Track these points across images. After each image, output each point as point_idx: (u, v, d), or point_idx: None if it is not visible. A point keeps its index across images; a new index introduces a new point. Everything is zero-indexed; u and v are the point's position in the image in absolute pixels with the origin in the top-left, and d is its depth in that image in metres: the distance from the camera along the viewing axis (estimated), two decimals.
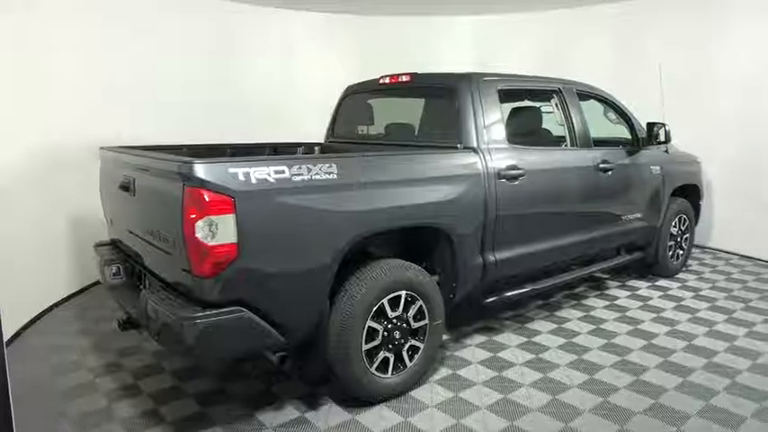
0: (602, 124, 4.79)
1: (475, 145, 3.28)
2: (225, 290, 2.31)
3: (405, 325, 2.92)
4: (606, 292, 4.73)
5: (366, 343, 2.75)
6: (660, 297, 4.59)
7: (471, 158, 3.21)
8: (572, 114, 3.99)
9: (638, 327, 3.92)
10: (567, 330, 3.86)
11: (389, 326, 2.85)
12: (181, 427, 2.70)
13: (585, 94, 4.31)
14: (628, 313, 4.19)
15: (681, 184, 4.97)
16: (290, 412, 2.82)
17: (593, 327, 3.92)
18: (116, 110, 4.79)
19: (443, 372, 3.25)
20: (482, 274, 3.34)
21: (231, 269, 2.28)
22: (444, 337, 3.62)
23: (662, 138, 4.45)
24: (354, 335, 2.68)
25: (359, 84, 4.28)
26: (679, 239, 5.13)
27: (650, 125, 4.45)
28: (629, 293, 4.68)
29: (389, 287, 2.81)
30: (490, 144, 3.34)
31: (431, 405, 2.89)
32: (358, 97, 4.27)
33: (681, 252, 5.19)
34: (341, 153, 3.17)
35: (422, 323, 3.00)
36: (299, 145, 4.36)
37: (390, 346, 2.87)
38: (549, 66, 5.62)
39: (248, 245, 2.30)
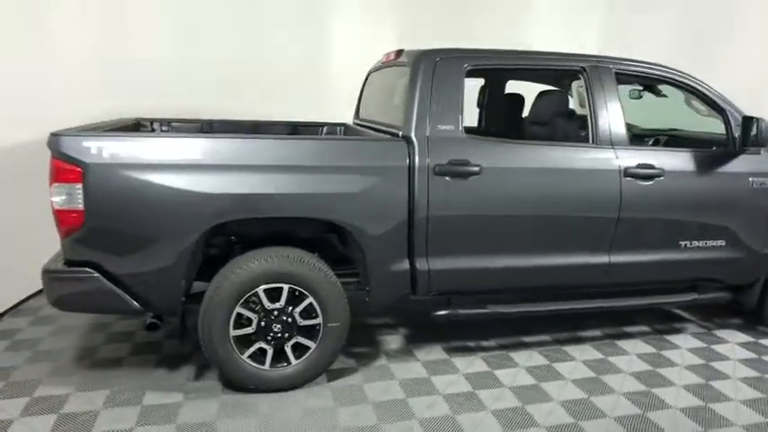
0: (690, 119, 3.61)
1: (412, 134, 2.83)
2: (75, 251, 2.54)
3: (289, 320, 2.76)
4: (668, 336, 3.59)
5: (236, 329, 2.70)
6: (745, 364, 3.29)
7: (395, 148, 2.79)
8: (596, 102, 3.09)
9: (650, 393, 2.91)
10: (547, 374, 3.09)
11: (267, 317, 2.73)
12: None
13: (641, 75, 3.28)
14: (659, 372, 3.13)
15: None
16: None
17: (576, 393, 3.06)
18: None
19: (350, 380, 2.97)
20: (411, 283, 2.92)
21: (80, 233, 2.49)
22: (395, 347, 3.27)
23: (761, 138, 3.11)
24: (218, 318, 2.66)
25: (380, 62, 4.02)
26: None
27: (746, 120, 3.15)
28: (698, 347, 3.48)
29: (265, 277, 2.68)
30: (435, 133, 2.84)
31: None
32: (378, 75, 4.02)
33: None
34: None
35: (313, 322, 2.79)
36: (323, 125, 4.33)
37: (269, 338, 2.75)
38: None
39: (95, 213, 2.47)
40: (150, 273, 2.59)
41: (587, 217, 3.04)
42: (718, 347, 3.48)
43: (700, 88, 3.31)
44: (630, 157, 3.08)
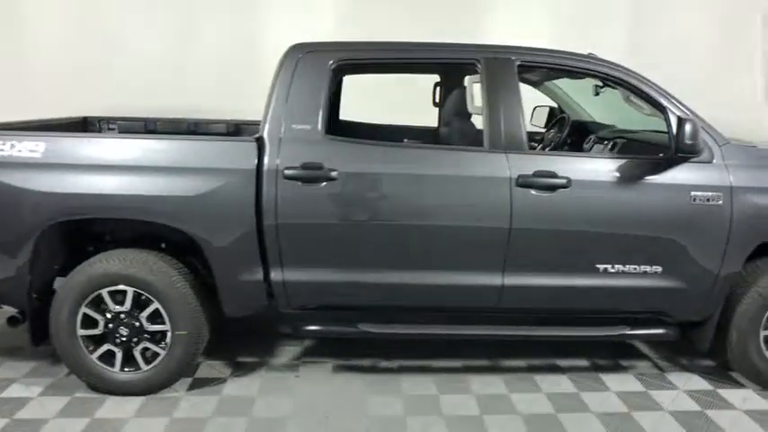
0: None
1: (264, 133, 2.62)
2: None
3: (136, 324, 2.69)
4: (603, 374, 3.04)
5: (83, 328, 2.68)
6: (675, 417, 2.70)
7: (241, 150, 2.60)
8: (489, 99, 2.67)
9: None
10: (430, 405, 2.74)
11: (114, 320, 2.68)
12: None
13: (556, 67, 2.79)
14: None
15: None
16: None
17: None
18: None
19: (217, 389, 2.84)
20: (268, 294, 2.72)
21: None
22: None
23: (686, 140, 2.50)
24: (62, 316, 2.65)
25: None
26: None
27: (680, 122, 2.55)
28: (631, 390, 2.91)
29: (106, 279, 2.62)
30: (289, 133, 2.61)
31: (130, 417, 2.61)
32: None
33: None
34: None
35: (161, 328, 2.69)
36: None
37: (117, 340, 2.70)
38: None
39: None
40: None
41: (469, 232, 2.65)
42: (657, 394, 2.89)
43: (635, 82, 2.76)
44: (526, 164, 2.63)
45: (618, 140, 3.25)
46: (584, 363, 3.19)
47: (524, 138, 2.67)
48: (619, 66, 2.81)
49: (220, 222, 2.59)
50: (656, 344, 3.41)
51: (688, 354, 3.25)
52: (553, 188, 2.62)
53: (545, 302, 2.80)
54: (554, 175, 2.62)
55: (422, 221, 2.63)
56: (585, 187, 2.64)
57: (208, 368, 3.07)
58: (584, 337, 2.91)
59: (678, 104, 2.73)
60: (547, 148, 3.90)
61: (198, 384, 2.89)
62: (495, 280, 2.70)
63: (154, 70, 4.92)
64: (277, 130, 2.62)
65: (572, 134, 3.76)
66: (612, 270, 2.72)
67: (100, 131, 4.07)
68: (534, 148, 4.02)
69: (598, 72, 2.79)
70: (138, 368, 2.73)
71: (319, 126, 2.62)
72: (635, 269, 2.72)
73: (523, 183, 2.60)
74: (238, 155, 2.59)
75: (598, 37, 4.86)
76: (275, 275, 2.67)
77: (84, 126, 4.03)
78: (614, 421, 2.63)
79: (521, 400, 2.80)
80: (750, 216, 2.68)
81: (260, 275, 2.67)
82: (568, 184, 2.62)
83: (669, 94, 2.75)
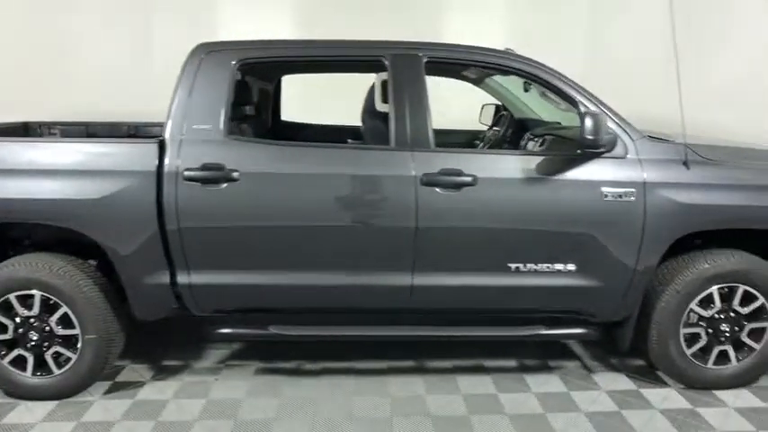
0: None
1: (166, 134, 2.60)
2: None
3: (46, 328, 2.68)
4: (528, 375, 2.99)
5: None
6: (589, 418, 2.64)
7: (141, 151, 2.57)
8: (395, 96, 2.63)
9: None
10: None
11: (22, 324, 2.67)
12: None
13: (467, 62, 2.75)
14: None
15: (709, 226, 2.68)
16: None
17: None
18: None
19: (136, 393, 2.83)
20: (177, 298, 2.70)
21: None
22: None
23: (586, 135, 2.44)
24: None
25: None
26: (728, 329, 2.77)
27: (582, 117, 2.48)
28: (552, 392, 2.86)
29: (15, 283, 2.62)
30: (190, 134, 2.59)
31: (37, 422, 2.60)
32: None
33: (739, 353, 2.82)
34: None
35: (72, 332, 2.68)
36: None
37: (27, 345, 2.69)
38: None
39: None
40: None
41: (375, 231, 2.61)
42: (577, 394, 2.84)
43: (547, 77, 2.71)
44: (431, 163, 2.59)
45: (547, 137, 3.20)
46: (511, 363, 3.15)
47: (431, 135, 2.63)
48: (533, 61, 2.75)
49: (122, 226, 2.57)
50: (588, 343, 3.35)
51: (620, 353, 3.19)
52: (459, 186, 2.57)
53: (457, 302, 2.76)
54: (459, 173, 2.57)
55: (326, 222, 2.60)
56: (492, 185, 2.59)
57: (130, 372, 3.06)
58: (497, 337, 2.87)
59: (591, 99, 2.68)
60: (486, 147, 3.86)
61: (115, 388, 2.88)
62: (404, 280, 2.66)
63: (108, 74, 4.94)
64: (178, 130, 2.59)
65: (517, 132, 3.71)
66: (525, 269, 2.67)
67: (41, 137, 4.07)
68: (477, 146, 4.00)
69: (510, 67, 2.75)
70: (51, 373, 2.73)
71: (221, 126, 2.59)
72: (548, 268, 2.67)
73: (428, 181, 2.56)
74: (139, 157, 2.57)
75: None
76: (182, 279, 2.65)
77: (25, 131, 4.03)
78: (525, 423, 2.59)
79: (435, 401, 2.76)
80: (665, 212, 2.62)
81: (166, 279, 2.65)
82: (474, 182, 2.57)
83: (582, 89, 2.70)
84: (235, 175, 2.54)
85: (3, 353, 2.70)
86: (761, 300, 2.75)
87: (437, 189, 2.57)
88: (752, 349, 2.83)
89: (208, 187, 2.54)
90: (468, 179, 2.57)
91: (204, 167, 2.54)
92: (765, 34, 4.83)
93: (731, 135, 4.08)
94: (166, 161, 2.55)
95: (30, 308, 2.66)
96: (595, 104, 2.66)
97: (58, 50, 4.85)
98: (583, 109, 2.56)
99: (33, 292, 2.63)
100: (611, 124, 2.65)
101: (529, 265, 2.67)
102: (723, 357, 2.84)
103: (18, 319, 2.67)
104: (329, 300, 2.74)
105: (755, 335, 2.82)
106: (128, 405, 2.72)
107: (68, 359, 2.72)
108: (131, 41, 4.97)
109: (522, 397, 2.81)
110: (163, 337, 3.38)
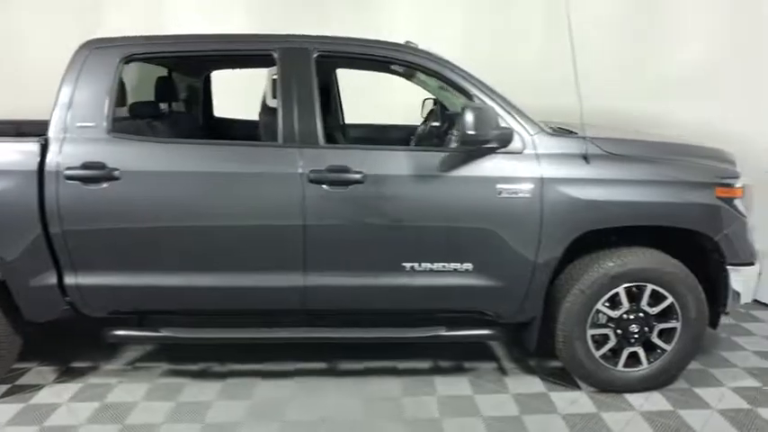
0: None
1: (51, 133, 2.54)
2: None
3: None
4: (437, 377, 2.90)
5: None
6: (487, 425, 2.55)
7: (20, 149, 2.50)
8: (284, 91, 2.56)
9: None
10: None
11: None
12: None
13: (360, 57, 2.67)
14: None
15: (608, 223, 2.58)
16: None
17: None
18: None
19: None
20: (66, 299, 2.64)
21: None
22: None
23: (466, 130, 2.34)
24: None
25: None
26: (638, 330, 2.67)
27: (463, 110, 2.40)
28: (456, 395, 2.77)
29: None
30: (72, 132, 2.52)
31: None
32: None
33: (651, 354, 2.72)
34: None
35: None
36: None
37: None
38: None
39: None
40: None
41: (261, 231, 2.54)
42: (482, 398, 2.75)
43: (442, 70, 2.62)
44: (319, 160, 2.51)
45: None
46: (424, 365, 3.07)
47: (320, 131, 2.55)
48: (430, 55, 2.67)
49: (4, 226, 2.51)
50: (512, 344, 3.25)
51: (538, 355, 3.09)
52: (346, 183, 2.49)
53: (353, 303, 2.68)
54: (347, 170, 2.49)
55: (213, 222, 2.53)
56: (381, 182, 2.51)
57: (35, 374, 3.00)
58: (393, 339, 2.77)
59: (486, 92, 2.59)
60: (415, 143, 3.77)
61: (12, 392, 2.82)
62: (296, 280, 2.59)
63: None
64: (62, 128, 2.53)
65: (451, 127, 3.62)
66: (420, 268, 2.59)
67: None
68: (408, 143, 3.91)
69: (404, 61, 2.67)
70: None
71: (104, 123, 2.53)
72: (444, 267, 2.59)
73: (315, 178, 2.48)
74: (20, 156, 2.50)
75: None
76: (69, 280, 2.59)
77: None
78: (418, 429, 2.51)
79: (337, 404, 2.69)
80: (562, 209, 2.52)
81: (53, 280, 2.59)
82: (363, 179, 2.49)
83: (478, 82, 2.61)
84: (116, 173, 2.47)
85: None
86: (670, 299, 2.65)
87: (324, 186, 2.49)
88: (663, 351, 2.73)
89: (88, 186, 2.48)
90: (357, 176, 2.49)
91: (84, 166, 2.47)
92: (719, 25, 4.70)
93: (679, 128, 4.00)
94: (48, 160, 2.49)
95: None
96: (491, 98, 2.58)
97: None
98: (465, 102, 2.48)
99: None
100: (508, 119, 2.56)
101: (424, 265, 2.58)
102: (634, 359, 2.74)
103: None
104: (221, 302, 2.68)
105: (666, 336, 2.72)
106: (17, 409, 2.67)
107: None
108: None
109: (425, 400, 2.73)
110: (77, 339, 3.32)
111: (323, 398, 2.74)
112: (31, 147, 2.52)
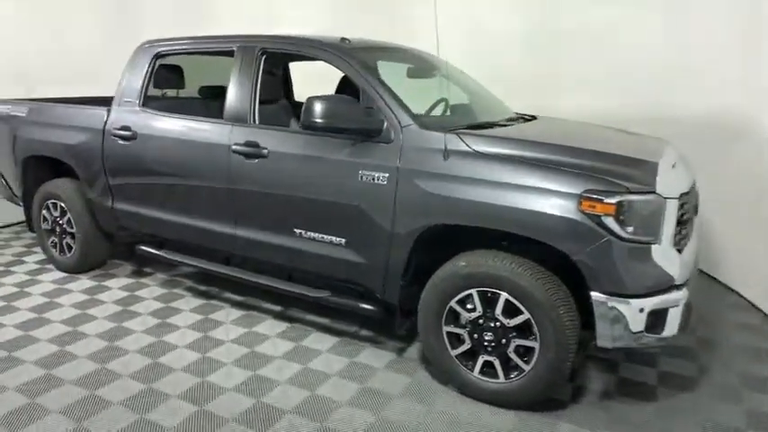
0: None
1: (114, 104, 3.75)
2: None
3: None
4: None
5: None
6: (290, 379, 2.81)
7: (97, 114, 3.77)
8: (231, 79, 3.26)
9: None
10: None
11: None
12: None
13: (288, 52, 3.29)
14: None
15: (450, 220, 2.53)
16: None
17: None
18: None
19: None
20: (110, 214, 3.88)
21: None
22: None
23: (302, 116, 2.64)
24: None
25: None
26: (493, 339, 2.54)
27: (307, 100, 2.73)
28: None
29: None
30: (122, 105, 3.69)
31: None
32: None
33: (511, 371, 2.55)
34: None
35: None
36: None
37: None
38: None
39: None
40: None
41: (206, 187, 3.30)
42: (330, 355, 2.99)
43: (339, 64, 2.97)
44: (243, 135, 3.13)
45: None
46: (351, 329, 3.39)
47: (252, 112, 3.15)
48: (339, 52, 2.99)
49: (82, 159, 3.85)
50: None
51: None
52: (256, 157, 3.06)
53: (264, 256, 3.23)
54: (257, 146, 3.05)
55: (181, 176, 3.40)
56: (279, 158, 2.99)
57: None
58: (290, 292, 3.15)
59: (374, 88, 2.80)
60: None
61: None
62: (230, 230, 3.29)
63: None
64: (118, 102, 3.74)
65: None
66: (306, 236, 2.99)
67: None
68: None
69: (318, 57, 3.06)
70: None
71: (138, 100, 3.65)
72: (322, 238, 2.94)
73: (237, 150, 3.12)
74: (95, 119, 3.80)
75: None
76: (113, 204, 3.82)
77: None
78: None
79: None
80: (411, 200, 2.61)
81: (109, 203, 3.86)
82: (267, 154, 3.02)
83: (372, 78, 2.83)
84: (136, 135, 3.57)
85: None
86: (526, 315, 2.45)
87: (242, 157, 3.11)
88: (521, 369, 2.53)
89: (122, 142, 3.64)
90: (263, 151, 3.03)
91: (122, 128, 3.65)
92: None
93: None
94: (108, 121, 3.73)
95: None
96: (375, 90, 2.78)
97: None
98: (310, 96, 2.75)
99: None
100: (386, 112, 2.74)
101: (309, 233, 2.98)
102: (491, 369, 2.61)
103: None
104: (194, 237, 3.52)
105: (525, 354, 2.51)
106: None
107: None
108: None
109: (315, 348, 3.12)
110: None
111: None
112: (102, 112, 3.80)
